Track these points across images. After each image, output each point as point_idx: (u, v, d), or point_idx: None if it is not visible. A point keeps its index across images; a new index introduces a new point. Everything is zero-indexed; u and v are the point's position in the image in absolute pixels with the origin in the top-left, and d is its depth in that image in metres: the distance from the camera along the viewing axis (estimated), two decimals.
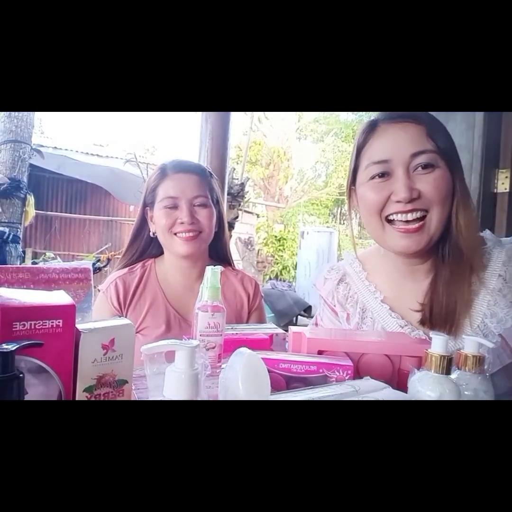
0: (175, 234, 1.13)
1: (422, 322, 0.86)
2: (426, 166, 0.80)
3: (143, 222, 1.23)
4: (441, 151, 0.81)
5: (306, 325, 1.07)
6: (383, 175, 0.83)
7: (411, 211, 0.80)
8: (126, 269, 1.21)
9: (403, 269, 0.91)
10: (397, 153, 0.81)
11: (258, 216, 10.69)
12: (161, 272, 1.21)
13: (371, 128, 0.86)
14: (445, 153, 0.81)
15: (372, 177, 0.84)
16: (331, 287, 1.00)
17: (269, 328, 0.90)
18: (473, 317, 0.82)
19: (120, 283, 1.16)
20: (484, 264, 0.84)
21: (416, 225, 0.81)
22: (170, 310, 1.16)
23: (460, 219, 0.82)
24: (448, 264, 0.84)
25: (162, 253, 1.23)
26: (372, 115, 0.88)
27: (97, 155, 7.66)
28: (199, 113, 2.72)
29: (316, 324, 1.05)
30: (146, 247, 1.25)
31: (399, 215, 0.82)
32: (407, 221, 0.82)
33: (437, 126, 0.83)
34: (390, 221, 0.84)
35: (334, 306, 0.99)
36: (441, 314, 0.83)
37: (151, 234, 1.21)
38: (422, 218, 0.81)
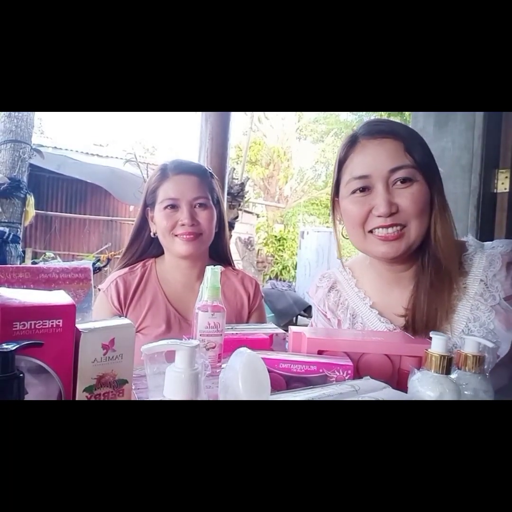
0: (176, 235, 1.14)
1: (406, 327, 0.88)
2: (404, 181, 0.83)
3: (143, 223, 1.23)
4: (419, 166, 0.83)
5: (306, 325, 1.08)
6: (363, 189, 0.85)
7: (392, 225, 0.83)
8: (126, 269, 1.21)
9: (389, 276, 0.94)
10: (376, 169, 0.84)
11: (258, 216, 10.69)
12: (162, 271, 1.21)
13: (352, 144, 0.89)
14: (423, 167, 0.84)
15: (353, 192, 0.87)
16: (322, 294, 1.03)
17: (269, 328, 0.90)
18: (457, 322, 0.85)
19: (121, 283, 1.16)
20: (466, 270, 0.87)
21: (396, 234, 0.84)
22: (170, 309, 1.16)
23: (438, 230, 0.85)
24: (428, 273, 0.87)
25: (162, 253, 1.23)
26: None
27: (97, 155, 7.68)
28: (199, 113, 2.72)
29: None
30: (146, 247, 1.25)
31: (380, 229, 0.84)
32: (387, 232, 0.84)
33: (415, 141, 0.85)
34: (371, 231, 0.87)
35: (326, 312, 1.01)
36: (423, 320, 0.86)
37: (151, 234, 1.21)
38: (402, 228, 0.84)
